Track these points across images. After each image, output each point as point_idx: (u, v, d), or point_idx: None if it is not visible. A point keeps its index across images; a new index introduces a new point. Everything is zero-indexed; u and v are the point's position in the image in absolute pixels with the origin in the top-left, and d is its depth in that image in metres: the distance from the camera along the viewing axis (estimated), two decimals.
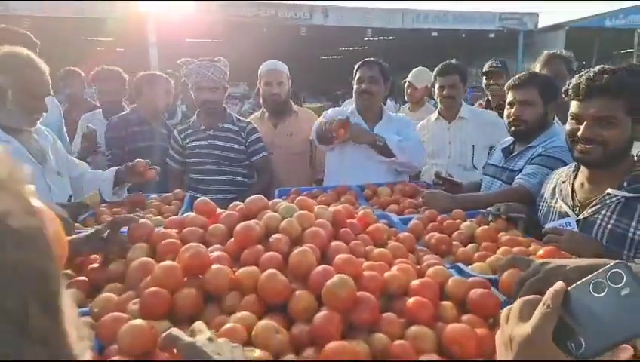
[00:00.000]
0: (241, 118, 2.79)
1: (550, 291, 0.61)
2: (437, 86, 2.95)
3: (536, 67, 2.70)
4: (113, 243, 1.23)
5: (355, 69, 2.57)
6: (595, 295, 0.57)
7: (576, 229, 1.53)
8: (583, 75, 1.44)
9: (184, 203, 2.02)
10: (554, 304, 0.59)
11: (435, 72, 2.98)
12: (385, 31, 17.11)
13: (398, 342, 0.89)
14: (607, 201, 1.44)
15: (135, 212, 1.92)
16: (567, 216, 1.56)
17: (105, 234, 1.23)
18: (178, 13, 13.20)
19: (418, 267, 1.25)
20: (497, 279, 1.19)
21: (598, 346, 0.55)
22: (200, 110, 2.64)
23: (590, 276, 0.59)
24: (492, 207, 1.74)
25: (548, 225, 1.60)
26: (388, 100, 4.08)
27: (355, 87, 2.57)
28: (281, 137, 2.86)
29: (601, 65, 1.42)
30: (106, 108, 3.21)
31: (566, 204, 1.59)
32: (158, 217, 1.81)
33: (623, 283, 0.55)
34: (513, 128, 2.06)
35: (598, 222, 1.45)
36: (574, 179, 1.62)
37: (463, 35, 17.28)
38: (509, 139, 2.19)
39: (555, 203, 1.66)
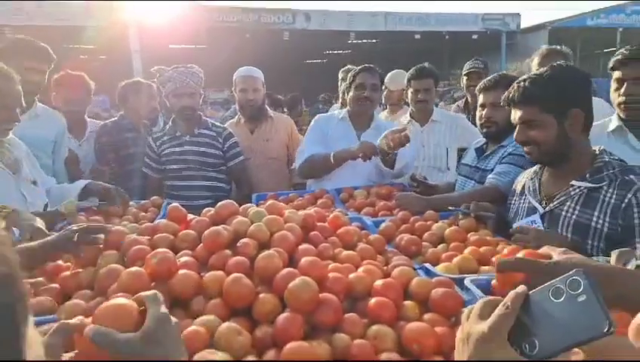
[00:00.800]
0: (217, 123, 2.81)
1: (511, 293, 0.64)
2: (411, 90, 2.99)
3: (534, 61, 2.73)
4: (81, 246, 1.24)
5: (353, 74, 2.56)
6: (554, 300, 0.60)
7: (541, 227, 1.58)
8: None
9: (161, 210, 2.03)
10: (513, 305, 0.62)
11: (408, 75, 3.01)
12: (368, 34, 17.26)
13: (357, 341, 0.92)
14: (572, 193, 1.50)
15: (112, 221, 1.92)
16: (536, 210, 1.62)
17: (75, 238, 1.24)
18: (161, 19, 13.15)
19: (385, 268, 1.28)
20: (462, 279, 1.23)
21: (551, 349, 0.58)
22: (175, 117, 2.65)
23: (551, 281, 0.62)
24: (462, 206, 1.79)
25: (515, 224, 1.65)
26: None
27: (352, 93, 2.55)
28: (258, 142, 2.90)
29: (524, 76, 1.56)
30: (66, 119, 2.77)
31: (534, 198, 1.64)
32: (134, 224, 1.81)
33: (580, 290, 0.58)
34: (485, 130, 2.11)
35: (564, 213, 1.51)
36: (541, 175, 1.68)
37: (446, 37, 17.51)
38: (482, 139, 2.25)
39: (524, 199, 1.71)
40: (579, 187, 1.49)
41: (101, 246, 1.29)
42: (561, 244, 1.43)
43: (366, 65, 2.61)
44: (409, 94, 3.03)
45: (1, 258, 0.37)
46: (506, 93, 1.58)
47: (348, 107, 2.65)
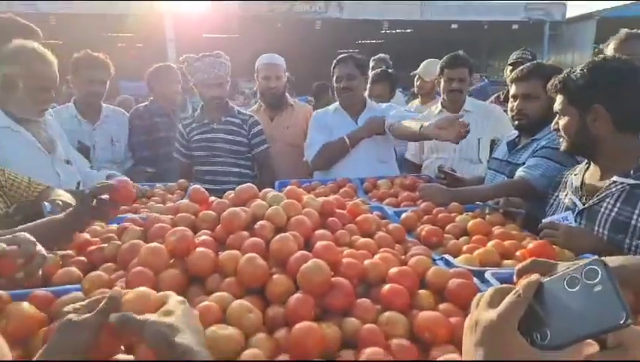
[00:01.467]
0: (242, 110, 2.84)
1: (524, 282, 0.62)
2: (444, 79, 2.89)
3: (610, 46, 2.59)
4: (104, 210, 1.30)
5: (332, 67, 2.64)
6: (569, 289, 0.58)
7: (573, 224, 1.53)
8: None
9: (187, 193, 2.09)
10: (525, 294, 0.60)
11: (441, 63, 2.92)
12: (402, 23, 16.89)
13: (367, 325, 0.92)
14: (613, 189, 1.45)
15: (139, 202, 1.99)
16: (575, 205, 1.57)
17: (94, 203, 1.28)
18: (195, 9, 13.43)
19: (403, 257, 1.27)
20: (482, 271, 1.21)
21: (563, 339, 0.56)
22: (204, 105, 2.70)
23: (567, 270, 0.59)
24: (491, 201, 1.74)
25: (545, 220, 1.60)
26: (397, 92, 4.07)
27: (335, 85, 2.66)
28: (278, 130, 2.93)
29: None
30: (83, 102, 2.74)
31: (575, 194, 1.60)
32: (160, 205, 1.88)
33: (597, 279, 0.55)
34: (516, 122, 2.04)
35: (602, 210, 1.46)
36: (586, 171, 1.63)
37: (485, 27, 16.91)
38: (515, 132, 2.17)
39: (565, 196, 1.66)
40: (621, 183, 1.43)
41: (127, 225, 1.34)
42: (591, 243, 1.41)
43: (340, 56, 2.65)
44: (442, 83, 2.94)
45: None
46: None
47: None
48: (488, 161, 2.36)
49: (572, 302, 0.57)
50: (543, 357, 0.56)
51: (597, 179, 1.55)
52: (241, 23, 14.31)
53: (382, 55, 4.31)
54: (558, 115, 1.59)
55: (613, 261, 0.88)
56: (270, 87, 2.87)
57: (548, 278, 0.61)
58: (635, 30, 2.62)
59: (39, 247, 0.99)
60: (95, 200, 1.28)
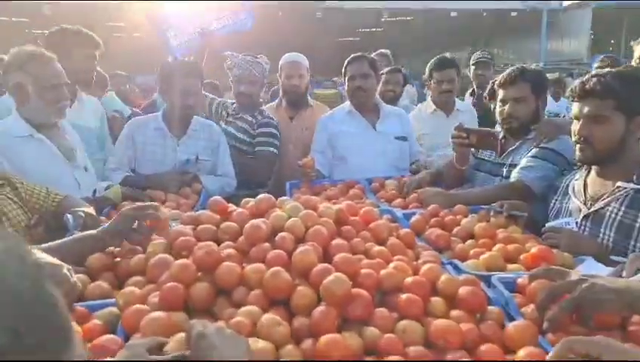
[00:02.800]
0: (266, 112, 2.87)
1: None
2: (433, 81, 3.05)
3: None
4: (139, 233, 1.37)
5: (345, 65, 2.65)
6: None
7: (575, 229, 1.60)
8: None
9: (200, 197, 2.15)
10: None
11: (429, 66, 3.08)
12: (402, 11, 16.79)
13: (387, 335, 0.99)
14: (617, 194, 1.51)
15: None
16: (579, 211, 1.63)
17: (135, 225, 1.36)
18: None
19: (415, 263, 1.34)
20: (489, 276, 1.28)
21: None
22: (235, 100, 2.85)
23: None
24: (496, 204, 1.79)
25: (547, 225, 1.66)
26: (408, 86, 4.13)
27: (347, 84, 2.65)
28: (297, 130, 2.98)
29: (595, 70, 1.51)
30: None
31: (578, 199, 1.65)
32: (176, 211, 1.93)
33: None
34: (506, 125, 2.09)
35: (608, 213, 1.52)
36: (587, 175, 1.68)
37: (484, 15, 16.82)
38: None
39: (567, 200, 1.71)
40: (625, 188, 1.49)
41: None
42: (592, 247, 1.47)
43: (354, 55, 2.66)
44: (432, 85, 3.09)
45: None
46: (579, 84, 1.54)
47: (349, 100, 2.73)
48: (473, 163, 2.36)
49: None
50: None
51: (600, 183, 1.60)
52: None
53: (383, 50, 4.34)
54: (588, 121, 1.52)
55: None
56: (293, 85, 2.92)
57: None
58: None
59: (73, 280, 1.03)
60: (137, 223, 1.35)
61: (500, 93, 2.08)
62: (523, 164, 1.98)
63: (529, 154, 2.00)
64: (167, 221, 1.44)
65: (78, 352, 0.39)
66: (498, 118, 2.13)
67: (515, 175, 1.98)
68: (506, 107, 2.05)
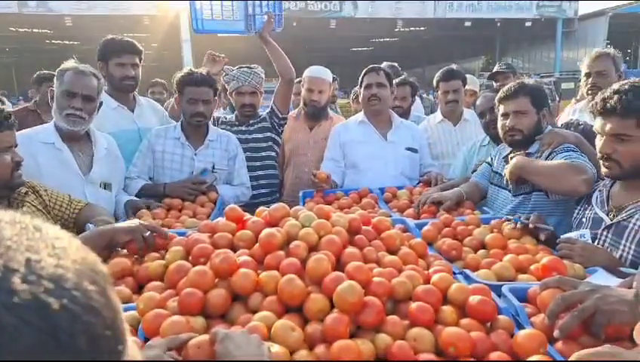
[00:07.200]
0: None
1: None
2: (440, 91, 3.11)
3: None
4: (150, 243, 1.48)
5: (361, 76, 2.72)
6: None
7: (590, 241, 1.59)
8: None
9: (216, 205, 2.20)
10: None
11: (436, 78, 3.14)
12: (416, 21, 16.87)
13: (398, 342, 1.01)
14: None
15: (171, 215, 2.10)
16: (601, 221, 1.62)
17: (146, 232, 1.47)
18: None
19: (426, 272, 1.36)
20: (499, 286, 1.29)
21: None
22: (237, 112, 2.91)
23: None
24: (523, 216, 1.77)
25: (562, 236, 1.66)
26: (417, 98, 4.16)
27: (362, 93, 2.73)
28: (315, 140, 3.05)
29: (618, 84, 1.52)
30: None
31: (601, 209, 1.65)
32: (193, 219, 1.98)
33: None
34: (509, 138, 2.09)
35: (630, 225, 1.51)
36: (611, 186, 1.68)
37: (498, 24, 16.81)
38: (504, 146, 2.22)
39: (590, 210, 1.71)
40: None
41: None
42: (605, 259, 1.47)
43: (372, 65, 2.74)
44: (439, 95, 3.17)
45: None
46: (600, 101, 1.53)
47: (363, 109, 2.79)
48: (473, 172, 2.43)
49: None
50: None
51: (624, 195, 1.60)
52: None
53: (389, 63, 4.35)
54: (612, 139, 1.50)
55: None
56: (312, 99, 2.99)
57: None
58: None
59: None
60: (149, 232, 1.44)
61: (501, 108, 2.10)
62: (559, 159, 1.90)
63: (552, 156, 1.96)
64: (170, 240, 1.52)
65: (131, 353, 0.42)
66: (500, 132, 2.13)
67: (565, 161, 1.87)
68: (508, 120, 2.06)
